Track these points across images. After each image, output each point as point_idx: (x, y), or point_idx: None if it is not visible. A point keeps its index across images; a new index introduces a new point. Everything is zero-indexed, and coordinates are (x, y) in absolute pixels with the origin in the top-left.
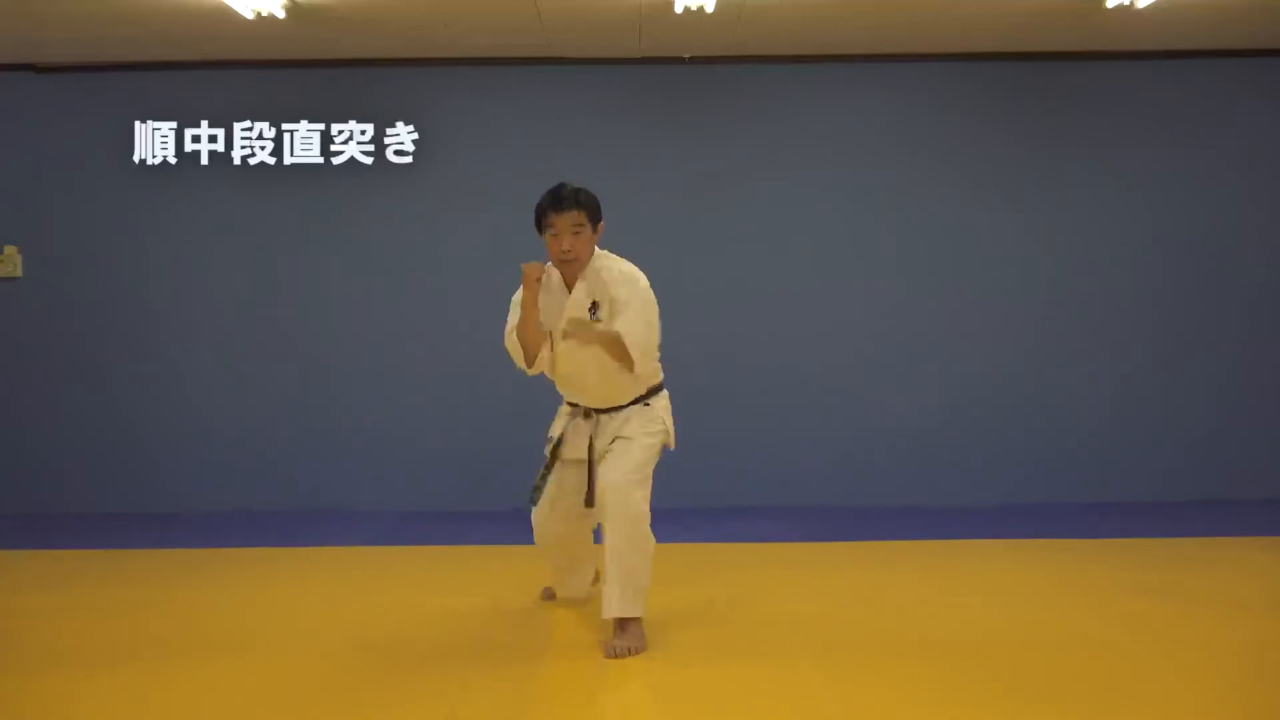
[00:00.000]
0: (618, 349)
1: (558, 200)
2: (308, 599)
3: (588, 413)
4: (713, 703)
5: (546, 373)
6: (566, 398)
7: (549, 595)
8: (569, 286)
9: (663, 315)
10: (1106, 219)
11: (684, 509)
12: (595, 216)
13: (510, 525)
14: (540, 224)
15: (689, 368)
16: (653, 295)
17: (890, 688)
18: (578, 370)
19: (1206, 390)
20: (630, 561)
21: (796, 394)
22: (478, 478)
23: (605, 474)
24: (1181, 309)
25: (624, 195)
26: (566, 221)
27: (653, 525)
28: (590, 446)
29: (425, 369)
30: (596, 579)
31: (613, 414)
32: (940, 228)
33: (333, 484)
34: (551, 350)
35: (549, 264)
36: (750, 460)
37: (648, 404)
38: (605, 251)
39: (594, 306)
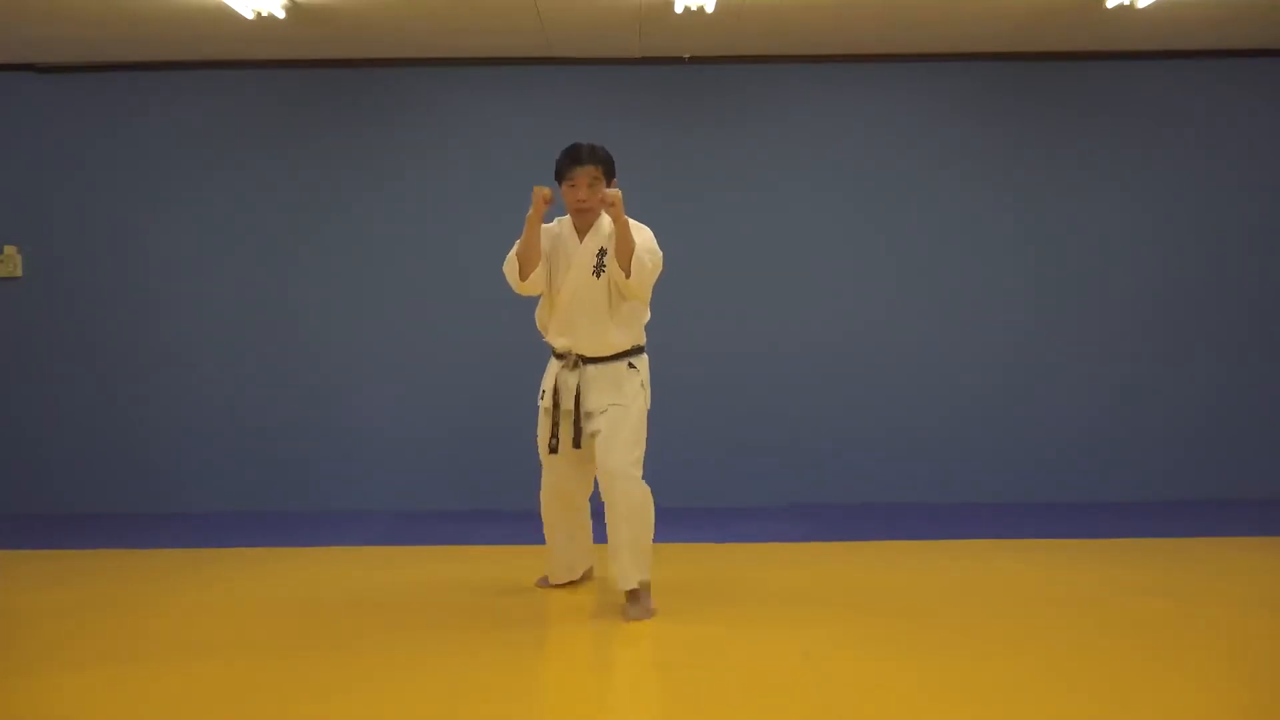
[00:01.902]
0: (628, 246)
1: (577, 155)
2: (307, 599)
3: (575, 362)
4: (715, 703)
5: (541, 297)
6: (558, 345)
7: (544, 583)
8: (580, 236)
9: (662, 314)
10: (1106, 218)
11: (685, 509)
12: (610, 173)
13: (512, 526)
14: (560, 176)
15: (688, 366)
16: (659, 248)
17: (890, 688)
18: (579, 306)
19: (1206, 390)
20: (636, 534)
21: (796, 393)
22: (478, 478)
23: (606, 458)
24: (1181, 308)
25: (623, 195)
26: (584, 174)
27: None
28: (577, 397)
29: (426, 368)
30: (586, 576)
31: (600, 366)
32: (940, 227)
33: (333, 484)
34: (551, 296)
35: (564, 217)
36: (749, 460)
37: (633, 365)
38: None
39: (602, 252)
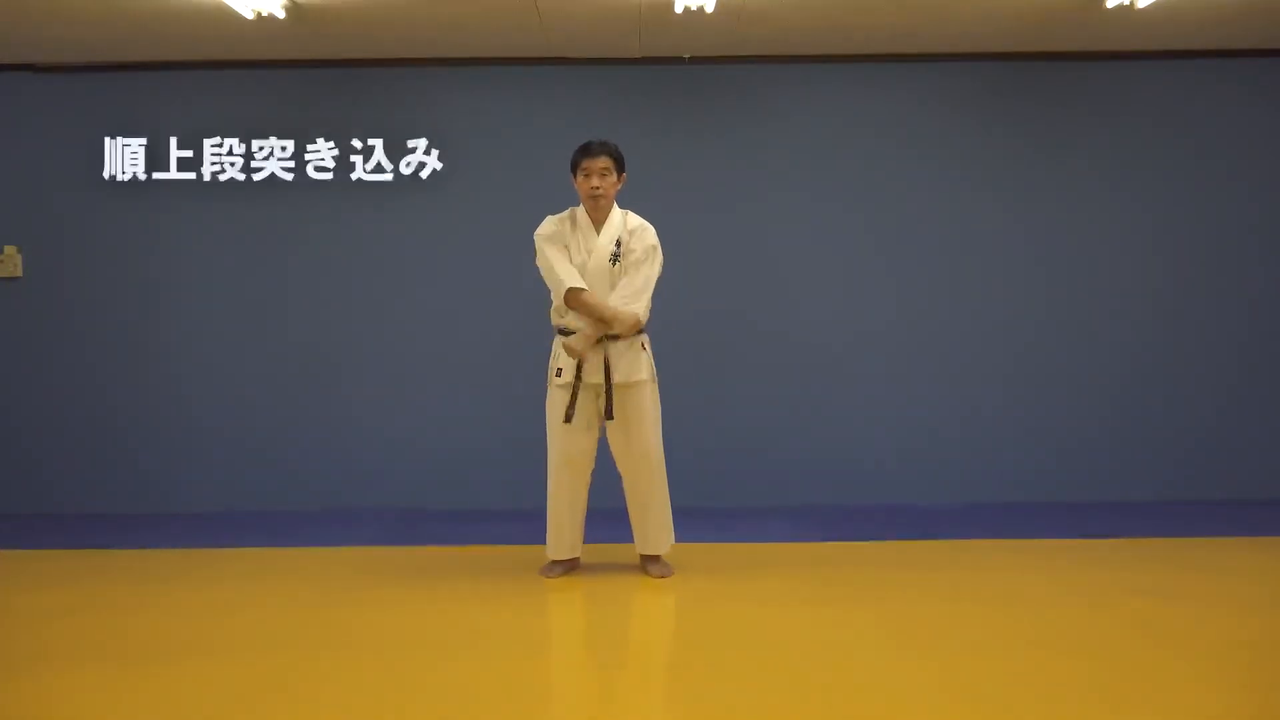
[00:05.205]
0: (626, 322)
1: (590, 148)
2: (307, 599)
3: (599, 338)
4: (720, 701)
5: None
6: (574, 326)
7: (547, 572)
8: (596, 226)
9: (663, 315)
10: (1106, 219)
11: (687, 509)
12: (620, 166)
13: (512, 526)
14: (575, 168)
15: (689, 367)
16: (660, 253)
17: (890, 689)
18: (601, 290)
19: (1206, 390)
20: (664, 504)
21: (797, 394)
22: (479, 478)
23: (641, 437)
24: (1181, 309)
25: (623, 195)
26: (597, 165)
27: None
28: (606, 371)
29: (425, 369)
30: (574, 566)
31: (620, 342)
32: (940, 227)
33: (333, 484)
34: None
35: (576, 207)
36: (750, 462)
37: (644, 346)
38: (629, 212)
39: (618, 243)
